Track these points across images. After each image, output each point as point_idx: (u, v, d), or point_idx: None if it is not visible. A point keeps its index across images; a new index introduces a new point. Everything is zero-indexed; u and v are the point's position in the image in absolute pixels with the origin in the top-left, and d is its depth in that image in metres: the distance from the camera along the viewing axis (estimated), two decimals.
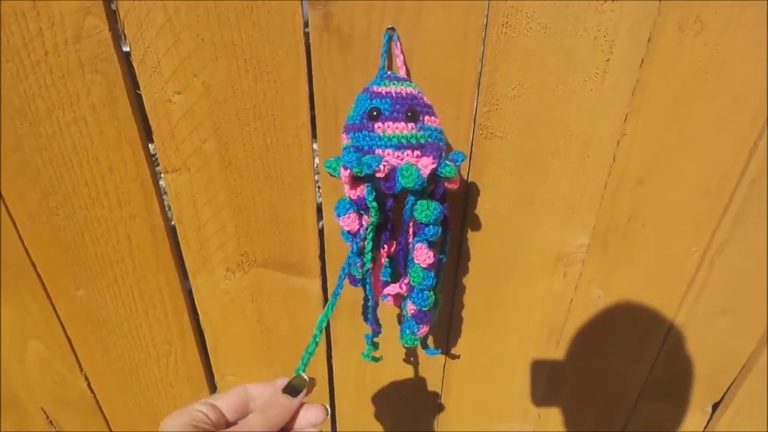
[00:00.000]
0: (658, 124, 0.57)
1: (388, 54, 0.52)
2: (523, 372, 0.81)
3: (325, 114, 0.56)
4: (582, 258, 0.67)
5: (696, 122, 0.57)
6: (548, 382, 0.82)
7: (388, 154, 0.48)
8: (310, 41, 0.52)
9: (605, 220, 0.64)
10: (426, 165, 0.48)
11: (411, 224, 0.53)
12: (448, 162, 0.50)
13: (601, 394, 0.84)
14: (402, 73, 0.52)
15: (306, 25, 0.52)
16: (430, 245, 0.54)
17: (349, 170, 0.48)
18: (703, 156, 0.59)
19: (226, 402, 0.43)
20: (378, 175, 0.48)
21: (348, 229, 0.53)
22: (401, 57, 0.52)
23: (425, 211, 0.51)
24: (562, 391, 0.84)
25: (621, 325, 0.75)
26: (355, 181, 0.49)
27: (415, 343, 0.60)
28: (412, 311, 0.57)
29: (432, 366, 0.80)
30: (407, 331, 0.59)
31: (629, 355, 0.79)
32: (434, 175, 0.49)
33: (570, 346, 0.77)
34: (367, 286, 0.55)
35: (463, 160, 0.51)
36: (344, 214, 0.52)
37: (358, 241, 0.53)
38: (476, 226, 0.64)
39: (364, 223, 0.52)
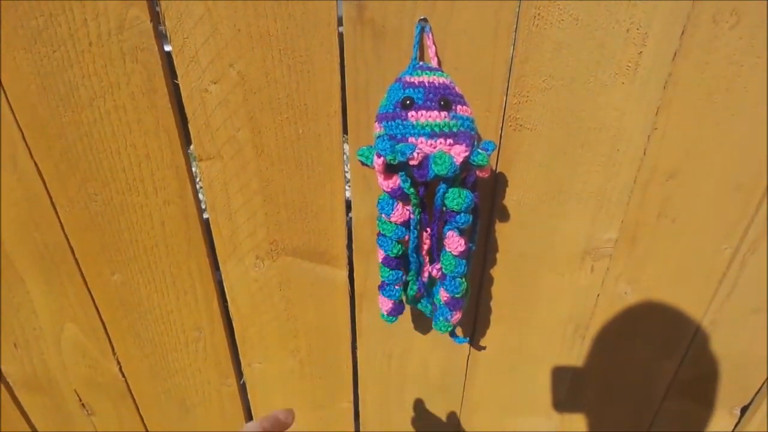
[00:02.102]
0: (691, 118, 0.57)
1: (420, 45, 0.53)
2: (548, 366, 0.81)
3: (356, 104, 0.57)
4: (610, 253, 0.67)
5: (729, 117, 0.56)
6: (573, 378, 0.82)
7: (422, 143, 0.49)
8: (344, 33, 0.53)
9: (634, 215, 0.64)
10: (459, 153, 0.49)
11: (442, 212, 0.54)
12: (480, 150, 0.50)
13: (627, 392, 0.84)
14: (434, 63, 0.53)
15: (340, 18, 0.53)
16: (461, 233, 0.54)
17: (382, 158, 0.49)
18: (736, 151, 0.59)
19: None
20: (411, 162, 0.49)
21: (402, 221, 0.54)
22: (433, 48, 0.53)
23: (457, 198, 0.52)
24: (587, 386, 0.84)
25: (648, 322, 0.74)
26: (388, 170, 0.50)
27: (449, 328, 0.61)
28: (446, 298, 0.58)
29: (456, 358, 0.80)
30: (441, 318, 0.60)
31: (656, 353, 0.78)
32: (466, 163, 0.50)
33: (596, 342, 0.77)
34: (415, 263, 0.57)
35: (494, 149, 0.52)
36: (392, 210, 0.53)
37: (412, 229, 0.54)
38: (504, 217, 0.65)
39: (408, 211, 0.54)
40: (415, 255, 0.57)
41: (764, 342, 0.75)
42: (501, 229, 0.66)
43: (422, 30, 0.52)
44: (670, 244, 0.66)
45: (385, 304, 0.60)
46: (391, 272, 0.58)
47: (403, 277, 0.59)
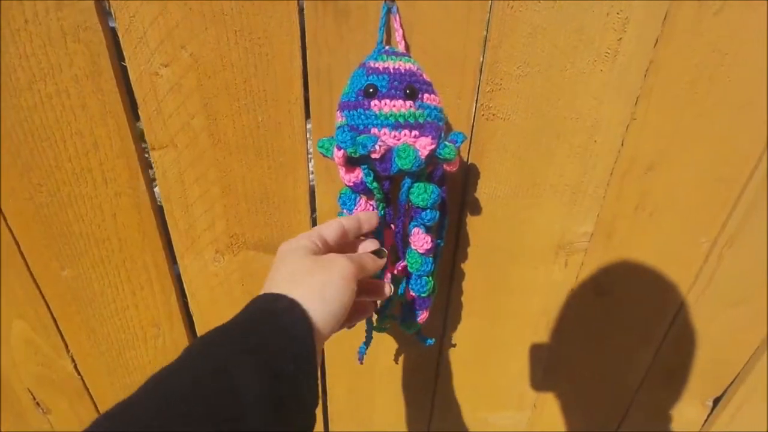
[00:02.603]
0: (671, 108, 0.54)
1: (387, 27, 0.49)
2: (520, 359, 0.79)
3: (319, 89, 0.53)
4: (585, 247, 0.65)
5: (711, 107, 0.54)
6: (545, 371, 0.80)
7: (385, 134, 0.46)
8: (304, 12, 0.49)
9: (611, 208, 0.61)
10: (424, 146, 0.45)
11: (407, 208, 0.51)
12: (447, 143, 0.47)
13: (600, 384, 0.83)
14: (401, 47, 0.49)
15: None
16: (428, 230, 0.51)
17: (343, 151, 0.45)
18: (717, 143, 0.56)
19: (330, 234, 0.46)
20: (373, 155, 0.45)
21: None
22: (400, 31, 0.49)
23: (422, 194, 0.48)
24: (561, 380, 0.82)
25: (623, 316, 0.73)
26: (350, 162, 0.47)
27: (416, 329, 0.58)
28: (411, 297, 0.55)
29: (427, 352, 0.78)
30: (408, 318, 0.57)
31: (630, 347, 0.77)
32: (432, 157, 0.47)
33: (569, 336, 0.75)
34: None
35: (463, 141, 0.49)
36: (355, 205, 0.50)
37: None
38: (475, 210, 0.62)
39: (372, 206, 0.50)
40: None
41: (738, 335, 0.74)
42: (472, 223, 0.63)
43: (389, 11, 0.48)
44: (647, 238, 0.64)
45: None
46: None
47: None
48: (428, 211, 0.49)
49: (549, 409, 0.86)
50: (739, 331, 0.74)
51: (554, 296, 0.70)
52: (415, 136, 0.46)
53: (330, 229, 0.46)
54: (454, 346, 0.76)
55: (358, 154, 0.45)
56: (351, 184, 0.48)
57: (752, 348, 0.76)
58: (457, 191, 0.60)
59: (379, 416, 0.87)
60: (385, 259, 0.48)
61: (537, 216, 0.62)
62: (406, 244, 0.52)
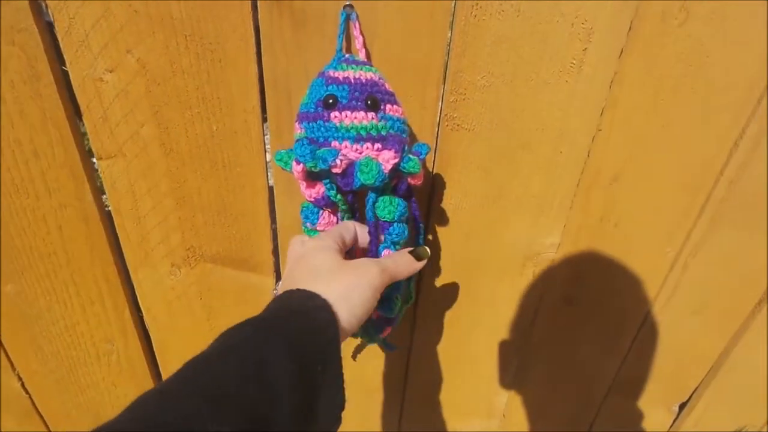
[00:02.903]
0: (636, 119, 0.53)
1: (346, 34, 0.47)
2: (489, 369, 0.78)
3: (276, 97, 0.51)
4: (552, 257, 0.64)
5: (676, 118, 0.53)
6: (515, 380, 0.79)
7: (346, 147, 0.44)
8: (259, 16, 0.47)
9: (577, 219, 0.60)
10: (387, 159, 0.43)
11: (376, 225, 0.48)
12: (411, 156, 0.45)
13: (568, 393, 0.82)
14: (361, 56, 0.47)
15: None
16: (396, 247, 0.49)
17: (302, 165, 0.43)
18: (681, 153, 0.56)
19: (348, 237, 0.46)
20: (334, 170, 0.43)
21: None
22: (360, 38, 0.47)
23: (388, 207, 0.46)
24: (529, 388, 0.82)
25: (590, 325, 0.72)
26: (310, 177, 0.45)
27: (378, 342, 0.56)
28: (376, 316, 0.53)
29: (395, 361, 0.76)
30: (370, 332, 0.54)
31: (598, 355, 0.76)
32: (396, 170, 0.45)
33: (537, 345, 0.74)
34: None
35: (427, 153, 0.47)
36: (317, 219, 0.47)
37: None
38: (441, 221, 0.60)
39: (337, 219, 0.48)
40: None
41: (702, 342, 0.74)
42: (439, 234, 0.61)
43: (348, 17, 0.46)
44: (613, 248, 0.63)
45: None
46: None
47: None
48: (396, 225, 0.47)
49: (518, 417, 0.85)
50: (702, 337, 0.74)
51: (522, 306, 0.69)
52: (378, 150, 0.44)
53: (349, 232, 0.46)
54: (421, 353, 0.74)
55: (318, 169, 0.42)
56: (312, 199, 0.46)
57: (716, 353, 0.76)
58: (423, 202, 0.58)
59: (347, 422, 0.85)
60: (425, 261, 0.47)
61: (503, 227, 0.61)
62: None
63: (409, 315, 0.70)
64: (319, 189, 0.45)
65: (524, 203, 0.59)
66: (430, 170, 0.56)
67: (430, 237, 0.62)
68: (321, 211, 0.48)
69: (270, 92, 0.51)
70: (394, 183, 0.47)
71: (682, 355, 0.76)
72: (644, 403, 0.84)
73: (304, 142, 0.43)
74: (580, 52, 0.48)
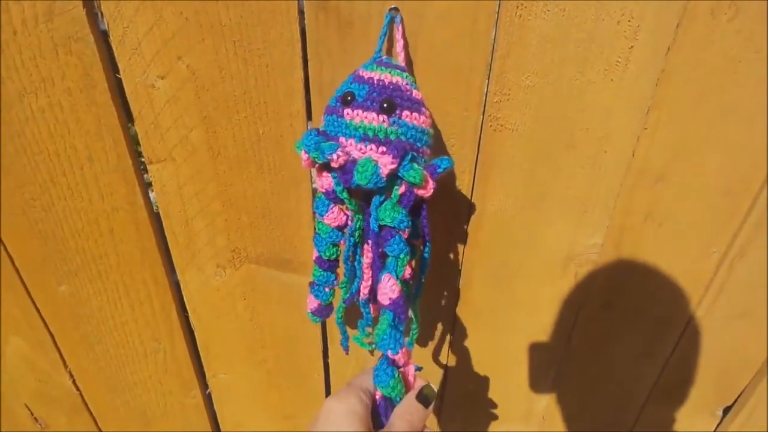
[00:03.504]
0: (683, 118, 0.53)
1: (389, 38, 0.47)
2: (528, 373, 0.78)
3: (321, 101, 0.52)
4: (594, 258, 0.63)
5: (723, 116, 0.52)
6: (554, 384, 0.79)
7: (351, 144, 0.43)
8: (306, 21, 0.47)
9: (620, 219, 0.60)
10: (385, 164, 0.42)
11: (377, 236, 0.46)
12: (415, 165, 0.43)
13: (609, 397, 0.81)
14: (400, 59, 0.47)
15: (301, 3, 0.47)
16: (398, 273, 0.46)
17: (307, 154, 0.44)
18: (728, 153, 0.55)
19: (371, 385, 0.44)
20: (332, 164, 0.43)
21: (336, 224, 0.48)
22: (401, 42, 0.47)
23: (389, 211, 0.44)
24: (568, 393, 0.81)
25: (632, 328, 0.71)
26: (320, 168, 0.45)
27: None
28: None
29: (434, 366, 0.76)
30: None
31: (639, 358, 0.75)
32: (398, 177, 0.44)
33: (578, 348, 0.74)
34: (357, 279, 0.50)
35: (447, 168, 0.45)
36: (326, 211, 0.47)
37: (348, 236, 0.48)
38: (482, 223, 0.60)
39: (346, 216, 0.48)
40: (348, 264, 0.50)
41: (748, 345, 0.73)
42: (479, 236, 0.61)
43: (392, 20, 0.46)
44: (657, 249, 0.63)
45: (311, 303, 0.54)
46: (322, 273, 0.52)
47: (335, 282, 0.53)
48: (397, 236, 0.45)
49: (557, 422, 0.84)
50: (747, 340, 0.72)
51: (563, 309, 0.69)
52: (381, 153, 0.43)
53: (369, 381, 0.45)
54: (460, 357, 0.74)
55: (319, 160, 0.43)
56: (323, 190, 0.46)
57: (762, 356, 0.75)
58: (464, 204, 0.59)
59: None
60: (431, 407, 0.45)
61: (546, 228, 0.60)
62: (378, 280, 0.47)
63: (449, 317, 0.70)
64: (329, 181, 0.45)
65: (567, 204, 0.58)
66: (473, 172, 0.56)
67: (468, 238, 0.62)
68: (331, 206, 0.48)
69: (315, 97, 0.51)
70: (401, 192, 0.45)
71: (727, 358, 0.75)
72: (687, 407, 0.82)
73: (313, 133, 0.44)
74: (626, 50, 0.48)
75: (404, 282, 0.47)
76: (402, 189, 0.45)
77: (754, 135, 0.53)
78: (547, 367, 0.76)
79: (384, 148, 0.43)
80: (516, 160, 0.55)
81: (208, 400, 0.82)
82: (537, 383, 0.78)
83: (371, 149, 0.43)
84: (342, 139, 0.44)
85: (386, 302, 0.46)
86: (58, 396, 0.79)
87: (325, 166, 0.44)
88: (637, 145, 0.54)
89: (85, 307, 0.68)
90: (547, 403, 0.82)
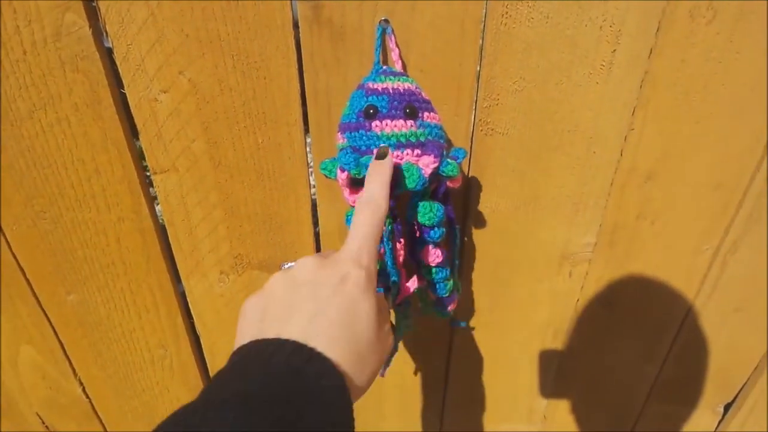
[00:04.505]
0: (668, 118, 0.54)
1: (383, 47, 0.49)
2: (528, 372, 0.79)
3: (317, 110, 0.54)
4: (588, 257, 0.65)
5: (708, 115, 0.54)
6: (554, 383, 0.80)
7: None
8: (300, 35, 0.50)
9: (613, 218, 0.61)
10: (427, 164, 0.46)
11: (414, 226, 0.51)
12: (449, 160, 0.47)
13: (609, 395, 0.82)
14: (398, 67, 0.50)
15: (295, 17, 0.49)
16: (437, 245, 0.51)
17: (346, 172, 0.45)
18: (715, 150, 0.56)
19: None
20: None
21: None
22: (396, 51, 0.49)
23: (428, 213, 0.49)
24: (569, 392, 0.82)
25: (629, 325, 0.72)
26: (353, 184, 0.47)
27: (448, 315, 0.59)
28: (434, 298, 0.56)
29: (435, 367, 0.78)
30: (438, 310, 0.58)
31: (638, 356, 0.76)
32: (436, 174, 0.47)
33: (577, 347, 0.75)
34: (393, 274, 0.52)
35: (464, 157, 0.49)
36: None
37: (386, 241, 0.50)
38: (478, 224, 0.62)
39: None
40: (394, 268, 0.53)
41: (746, 340, 0.74)
42: (475, 236, 0.63)
43: (384, 31, 0.49)
44: (650, 246, 0.64)
45: None
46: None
47: (384, 293, 0.55)
48: (435, 229, 0.50)
49: (559, 421, 0.85)
50: (746, 334, 0.73)
51: (560, 308, 0.70)
52: (417, 155, 0.46)
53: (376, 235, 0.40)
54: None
55: (362, 175, 0.45)
56: (356, 204, 0.48)
57: (761, 350, 0.76)
58: (460, 206, 0.60)
59: (388, 421, 0.86)
60: (389, 158, 0.44)
61: (539, 228, 0.62)
62: (417, 259, 0.53)
63: (446, 319, 0.72)
64: None
65: (559, 204, 0.60)
66: (466, 174, 0.58)
67: (466, 239, 0.63)
68: None
69: (311, 106, 0.53)
70: (433, 187, 0.50)
71: (726, 354, 0.76)
72: (688, 404, 0.83)
73: (348, 151, 0.46)
74: (610, 54, 0.50)
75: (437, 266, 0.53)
76: (435, 184, 0.49)
77: (739, 131, 0.55)
78: (547, 365, 0.77)
79: (419, 151, 0.46)
80: (507, 162, 0.57)
81: None
82: (537, 382, 0.79)
83: (407, 154, 0.46)
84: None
85: (434, 265, 0.52)
86: (68, 404, 0.81)
87: (359, 181, 0.46)
88: (625, 145, 0.56)
89: (94, 316, 0.70)
90: (548, 402, 0.83)
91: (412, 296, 0.59)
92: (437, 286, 0.54)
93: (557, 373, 0.78)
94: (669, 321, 0.72)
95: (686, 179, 0.58)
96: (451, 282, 0.55)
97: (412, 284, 0.55)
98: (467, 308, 0.70)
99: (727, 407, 0.84)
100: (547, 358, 0.76)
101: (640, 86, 0.52)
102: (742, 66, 0.51)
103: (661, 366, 0.77)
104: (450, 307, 0.58)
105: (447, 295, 0.55)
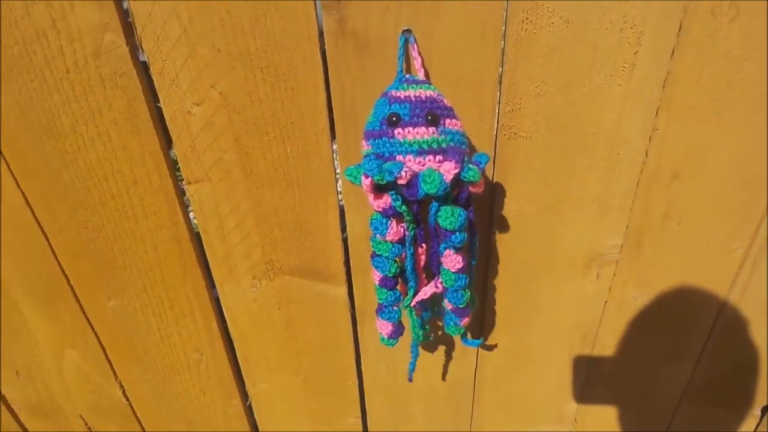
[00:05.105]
0: (692, 117, 0.54)
1: (406, 56, 0.51)
2: (558, 374, 0.79)
3: (344, 119, 0.55)
4: (615, 258, 0.65)
5: (733, 113, 0.54)
6: (584, 385, 0.80)
7: (410, 160, 0.47)
8: (326, 46, 0.51)
9: (639, 219, 0.61)
10: (448, 170, 0.47)
11: (437, 230, 0.52)
12: (471, 166, 0.48)
13: (641, 397, 0.81)
14: (420, 75, 0.51)
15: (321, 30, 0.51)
16: (458, 251, 0.52)
17: (370, 178, 0.47)
18: (741, 148, 0.56)
19: None
20: (400, 181, 0.47)
21: (397, 239, 0.52)
22: (419, 59, 0.51)
23: (450, 218, 0.50)
24: (599, 393, 0.81)
25: (659, 327, 0.72)
26: (377, 189, 0.49)
27: (461, 332, 0.60)
28: (451, 308, 0.57)
29: (463, 370, 0.78)
30: (451, 323, 0.59)
31: (669, 357, 0.76)
32: (457, 180, 0.48)
33: (606, 348, 0.74)
34: (412, 278, 0.55)
35: (486, 162, 0.50)
36: (387, 229, 0.51)
37: (408, 246, 0.52)
38: (503, 228, 0.62)
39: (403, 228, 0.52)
40: (413, 273, 0.55)
41: None
42: (502, 240, 0.64)
43: (406, 41, 0.50)
44: (677, 247, 0.64)
45: (385, 328, 0.58)
46: (389, 293, 0.56)
47: (401, 297, 0.57)
48: (457, 233, 0.51)
49: (590, 423, 0.85)
50: None
51: (588, 310, 0.70)
52: (439, 161, 0.47)
53: None
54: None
55: (385, 181, 0.46)
56: (380, 209, 0.50)
57: None
58: (485, 210, 0.61)
59: (418, 424, 0.87)
60: None
61: (565, 230, 0.62)
62: (438, 263, 0.54)
63: (476, 322, 0.72)
64: (386, 200, 0.49)
65: (584, 206, 0.60)
66: (491, 179, 0.59)
67: (491, 242, 0.64)
68: (389, 222, 0.52)
69: (338, 114, 0.55)
70: (455, 192, 0.51)
71: (761, 355, 0.74)
72: (723, 407, 0.82)
73: (372, 158, 0.47)
74: (631, 55, 0.50)
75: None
76: (457, 190, 0.50)
77: (764, 128, 0.55)
78: (577, 368, 0.77)
79: (440, 157, 0.48)
80: (531, 165, 0.57)
81: (248, 408, 0.85)
82: (567, 384, 0.79)
83: (429, 160, 0.47)
84: (399, 157, 0.47)
85: (454, 270, 0.53)
86: (110, 406, 0.84)
87: (383, 186, 0.48)
88: (649, 146, 0.56)
89: (133, 321, 0.73)
90: (578, 404, 0.82)
91: (429, 303, 0.60)
92: (455, 294, 0.55)
93: (587, 375, 0.78)
94: (700, 322, 0.71)
95: (712, 178, 0.58)
96: (468, 294, 0.56)
97: (430, 288, 0.56)
98: (496, 311, 0.71)
99: (765, 410, 0.82)
100: (576, 361, 0.76)
101: (663, 86, 0.52)
102: (765, 63, 0.51)
103: (693, 367, 0.76)
104: (463, 322, 0.58)
105: (463, 305, 0.56)
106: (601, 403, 0.82)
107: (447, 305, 0.57)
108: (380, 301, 0.57)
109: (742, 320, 0.70)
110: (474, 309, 0.60)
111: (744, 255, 0.64)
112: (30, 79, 0.54)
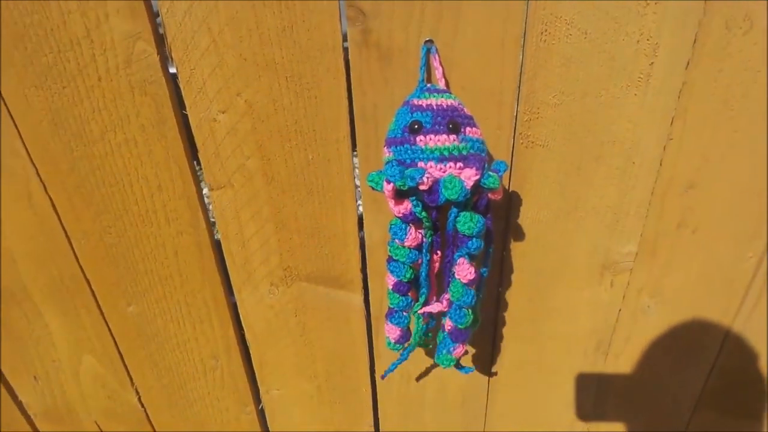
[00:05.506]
0: (707, 127, 0.55)
1: (427, 66, 0.52)
2: (571, 383, 0.79)
3: (365, 127, 0.57)
4: (630, 266, 0.66)
5: (747, 123, 0.55)
6: (597, 393, 0.80)
7: (431, 167, 0.49)
8: (350, 57, 0.53)
9: (654, 227, 0.62)
10: (469, 176, 0.48)
11: (454, 236, 0.53)
12: (491, 173, 0.49)
13: (654, 405, 0.81)
14: (441, 85, 0.52)
15: (345, 40, 0.53)
16: (472, 260, 0.53)
17: (392, 184, 0.48)
18: (755, 157, 0.57)
19: None
20: (421, 187, 0.48)
21: (415, 245, 0.53)
22: (440, 69, 0.52)
23: (468, 223, 0.51)
24: (612, 401, 0.81)
25: (674, 335, 0.72)
26: (399, 195, 0.50)
27: (451, 364, 0.60)
28: (449, 328, 0.57)
29: (477, 378, 0.79)
30: (443, 351, 0.60)
31: (684, 365, 0.76)
32: (477, 187, 0.49)
33: (620, 356, 0.75)
34: (425, 285, 0.55)
35: (505, 170, 0.51)
36: (405, 235, 0.52)
37: (424, 252, 0.53)
38: (519, 235, 0.63)
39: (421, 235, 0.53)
40: (427, 280, 0.56)
41: None
42: (517, 247, 0.65)
43: (428, 51, 0.52)
44: (692, 255, 0.64)
45: (393, 332, 0.59)
46: (401, 298, 0.57)
47: (412, 303, 0.58)
48: (474, 239, 0.52)
49: (603, 429, 0.85)
50: None
51: (602, 317, 0.71)
52: (459, 168, 0.48)
53: None
54: (495, 374, 0.77)
55: (406, 187, 0.48)
56: (400, 215, 0.51)
57: None
58: (501, 217, 0.62)
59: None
60: None
61: (581, 238, 0.63)
62: (450, 272, 0.54)
63: (489, 330, 0.73)
64: (407, 206, 0.50)
65: (600, 214, 0.61)
66: (507, 187, 0.60)
67: (504, 252, 0.65)
68: (408, 228, 0.53)
69: (359, 123, 0.57)
70: (475, 199, 0.52)
71: None
72: (738, 415, 0.82)
73: (394, 164, 0.48)
74: (647, 66, 0.52)
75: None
76: (476, 197, 0.51)
77: None
78: (591, 375, 0.77)
79: (461, 164, 0.49)
80: (548, 173, 0.59)
81: (261, 415, 0.86)
82: (581, 390, 0.79)
83: (450, 167, 0.49)
84: (421, 164, 0.49)
85: (465, 281, 0.53)
86: (125, 412, 0.85)
87: (404, 192, 0.49)
88: (664, 155, 0.57)
89: (151, 327, 0.74)
90: (592, 411, 0.82)
91: (435, 318, 0.61)
92: (458, 312, 0.55)
93: (600, 383, 0.78)
94: (714, 330, 0.71)
95: (727, 187, 0.59)
96: (471, 317, 0.56)
97: (437, 306, 0.57)
98: (509, 318, 0.71)
99: None
100: (589, 368, 0.76)
101: (678, 97, 0.54)
102: None
103: (707, 375, 0.76)
104: (456, 351, 0.59)
105: (463, 327, 0.56)
106: (614, 409, 0.82)
107: (446, 325, 0.58)
108: (391, 305, 0.58)
109: (755, 327, 0.70)
110: (473, 331, 0.60)
111: (758, 263, 0.64)
112: (63, 86, 0.55)
